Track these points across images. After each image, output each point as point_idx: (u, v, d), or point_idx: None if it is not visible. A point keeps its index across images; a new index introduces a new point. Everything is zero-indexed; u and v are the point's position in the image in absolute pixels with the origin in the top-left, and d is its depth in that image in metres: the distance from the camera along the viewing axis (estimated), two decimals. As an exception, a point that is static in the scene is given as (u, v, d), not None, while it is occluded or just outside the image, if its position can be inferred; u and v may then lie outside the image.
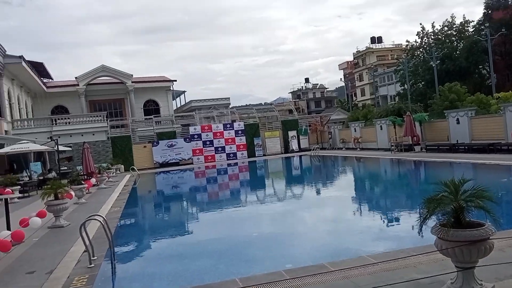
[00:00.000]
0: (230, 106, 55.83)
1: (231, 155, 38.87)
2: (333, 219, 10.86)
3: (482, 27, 40.72)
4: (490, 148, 20.59)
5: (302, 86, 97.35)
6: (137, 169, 32.45)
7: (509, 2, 45.22)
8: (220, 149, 38.71)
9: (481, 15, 47.92)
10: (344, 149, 36.56)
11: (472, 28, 49.18)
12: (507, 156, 18.42)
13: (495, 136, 21.16)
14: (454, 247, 4.54)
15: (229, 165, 34.54)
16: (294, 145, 40.05)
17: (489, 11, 46.58)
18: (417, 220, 4.89)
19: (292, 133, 40.40)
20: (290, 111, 52.38)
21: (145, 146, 36.92)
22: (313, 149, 34.11)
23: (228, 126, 39.51)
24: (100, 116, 36.56)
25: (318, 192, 16.37)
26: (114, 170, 31.64)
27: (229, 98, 56.29)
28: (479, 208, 4.66)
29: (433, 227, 4.78)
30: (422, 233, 5.80)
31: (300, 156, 35.87)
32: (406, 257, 6.00)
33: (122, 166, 34.63)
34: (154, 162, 36.55)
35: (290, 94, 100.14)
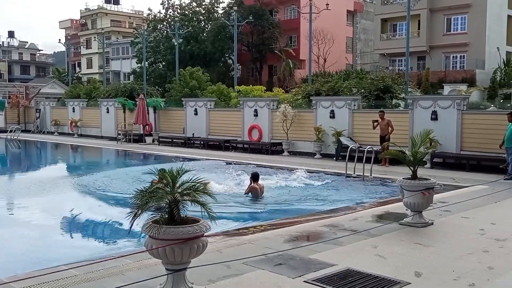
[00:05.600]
0: None
1: None
2: (21, 226, 10.37)
3: (232, 11, 46.32)
4: (225, 145, 23.65)
5: (3, 41, 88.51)
6: None
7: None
8: None
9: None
10: (56, 133, 35.39)
11: (222, 10, 55.44)
12: (240, 155, 21.57)
13: (232, 132, 24.42)
14: (165, 246, 5.02)
15: None
16: (-18, 123, 36.35)
17: (241, -6, 53.40)
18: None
19: (-20, 106, 36.51)
20: (-18, 74, 47.14)
21: None
22: (12, 131, 31.58)
23: None
24: None
25: (9, 192, 15.25)
26: None
27: None
28: (195, 202, 5.30)
29: (144, 225, 5.16)
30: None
31: (-9, 140, 32.66)
32: (113, 265, 6.26)
33: None
34: None
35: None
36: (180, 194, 5.25)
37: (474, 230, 8.25)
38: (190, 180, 5.36)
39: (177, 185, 5.33)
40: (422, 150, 8.70)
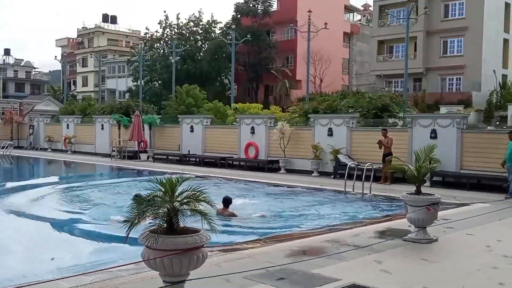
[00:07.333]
0: None
1: None
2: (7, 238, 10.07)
3: (229, 31, 46.50)
4: (221, 162, 23.42)
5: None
6: None
7: (259, 11, 53.43)
8: None
9: (230, 18, 54.77)
10: (50, 150, 34.99)
11: (219, 30, 55.72)
12: (236, 172, 21.35)
13: (228, 149, 24.21)
14: (163, 256, 4.78)
15: None
16: (-26, 138, 36.01)
17: (239, 15, 53.84)
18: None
19: (-27, 121, 36.25)
20: (-24, 90, 47.09)
21: None
22: (5, 147, 31.29)
23: None
24: None
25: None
26: None
27: None
28: (195, 212, 5.08)
29: (141, 235, 4.92)
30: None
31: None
32: (106, 278, 6.01)
33: None
34: None
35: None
36: (179, 203, 5.03)
37: (480, 246, 8.03)
38: (190, 188, 5.15)
39: (177, 193, 5.12)
40: (426, 166, 8.51)
